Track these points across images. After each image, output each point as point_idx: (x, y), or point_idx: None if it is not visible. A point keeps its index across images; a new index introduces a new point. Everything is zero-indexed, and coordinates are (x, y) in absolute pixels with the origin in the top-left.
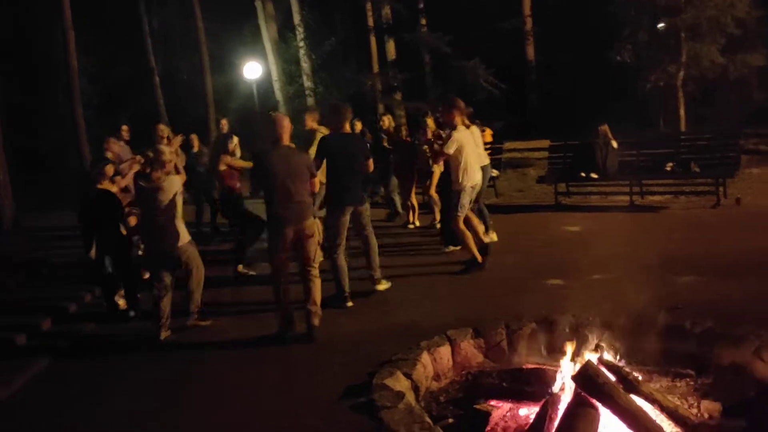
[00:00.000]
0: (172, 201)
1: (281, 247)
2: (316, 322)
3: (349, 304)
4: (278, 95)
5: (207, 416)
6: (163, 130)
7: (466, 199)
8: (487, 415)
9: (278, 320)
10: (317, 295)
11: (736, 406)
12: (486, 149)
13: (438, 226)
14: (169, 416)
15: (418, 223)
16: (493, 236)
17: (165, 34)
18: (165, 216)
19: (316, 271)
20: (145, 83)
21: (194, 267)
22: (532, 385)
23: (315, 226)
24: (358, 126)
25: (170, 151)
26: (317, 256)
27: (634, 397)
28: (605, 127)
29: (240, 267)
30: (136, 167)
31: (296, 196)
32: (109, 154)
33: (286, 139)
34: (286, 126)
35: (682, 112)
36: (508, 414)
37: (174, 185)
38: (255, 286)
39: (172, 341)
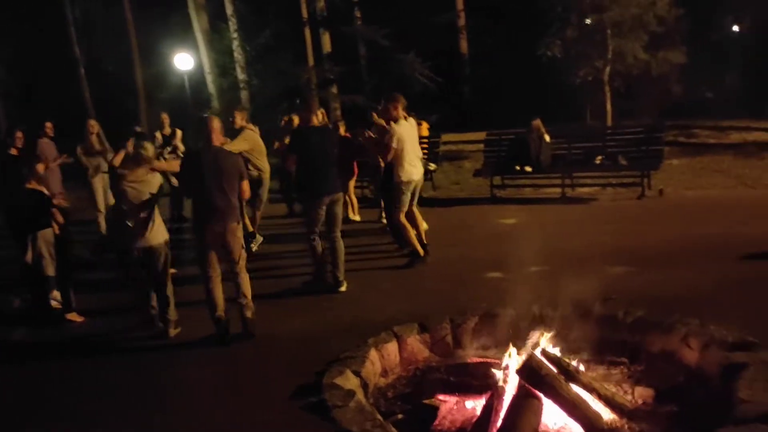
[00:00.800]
0: (155, 195)
1: (207, 247)
2: (249, 314)
3: (343, 288)
4: (211, 88)
5: (153, 420)
6: (93, 125)
7: (406, 191)
8: (435, 409)
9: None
10: (247, 289)
11: (667, 391)
12: (423, 143)
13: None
14: (115, 420)
15: (358, 218)
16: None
17: (88, 23)
18: (146, 211)
19: (243, 268)
20: (70, 75)
21: (167, 270)
22: (478, 379)
23: (240, 229)
24: (296, 120)
25: (152, 147)
26: (242, 255)
27: (574, 386)
28: (538, 122)
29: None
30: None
31: (223, 198)
32: (13, 150)
33: (215, 140)
34: (216, 127)
35: (608, 106)
36: (456, 407)
37: (157, 179)
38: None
39: (114, 344)
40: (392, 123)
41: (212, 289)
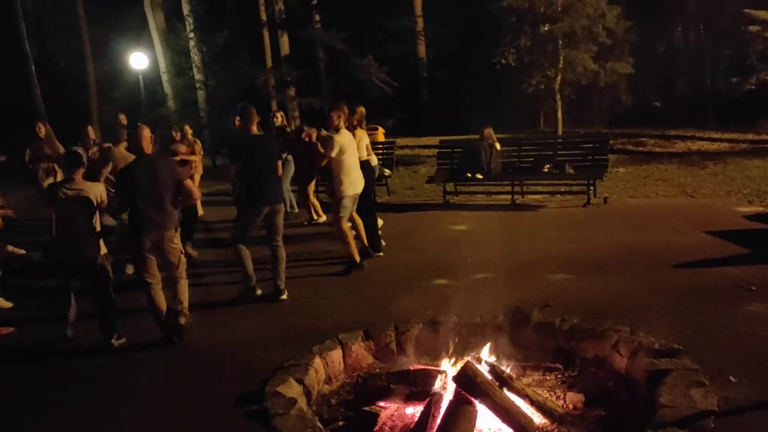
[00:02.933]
0: (94, 207)
1: (145, 255)
2: (182, 321)
3: (259, 292)
4: (166, 87)
5: (92, 427)
6: (41, 128)
7: (348, 203)
8: (376, 416)
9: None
10: (183, 295)
11: (597, 396)
12: (378, 149)
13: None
14: (54, 429)
15: (323, 218)
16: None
17: (41, 16)
18: (84, 223)
19: (182, 274)
20: (20, 71)
21: (107, 283)
22: (418, 386)
23: (177, 237)
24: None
25: (84, 151)
26: (182, 262)
27: (508, 393)
28: (490, 130)
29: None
30: None
31: (158, 206)
32: None
33: (147, 149)
34: (147, 136)
35: (559, 113)
36: (395, 414)
37: (97, 189)
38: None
39: (57, 351)
40: (334, 133)
41: (154, 296)
